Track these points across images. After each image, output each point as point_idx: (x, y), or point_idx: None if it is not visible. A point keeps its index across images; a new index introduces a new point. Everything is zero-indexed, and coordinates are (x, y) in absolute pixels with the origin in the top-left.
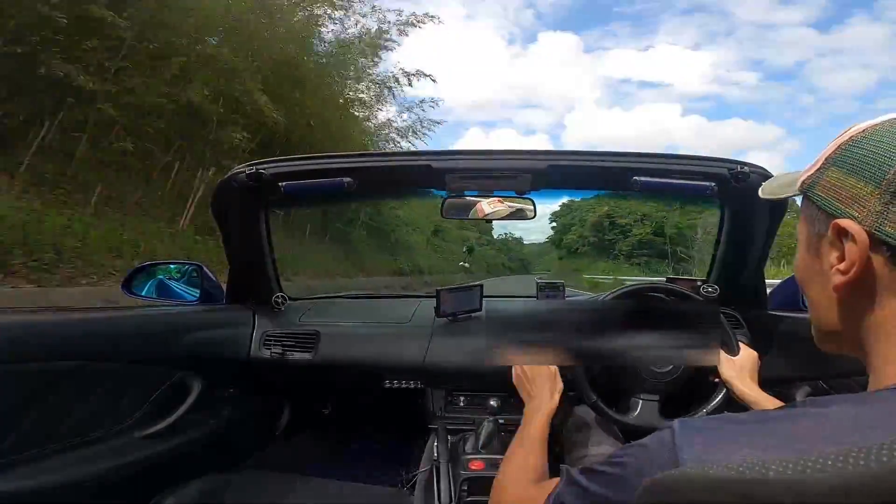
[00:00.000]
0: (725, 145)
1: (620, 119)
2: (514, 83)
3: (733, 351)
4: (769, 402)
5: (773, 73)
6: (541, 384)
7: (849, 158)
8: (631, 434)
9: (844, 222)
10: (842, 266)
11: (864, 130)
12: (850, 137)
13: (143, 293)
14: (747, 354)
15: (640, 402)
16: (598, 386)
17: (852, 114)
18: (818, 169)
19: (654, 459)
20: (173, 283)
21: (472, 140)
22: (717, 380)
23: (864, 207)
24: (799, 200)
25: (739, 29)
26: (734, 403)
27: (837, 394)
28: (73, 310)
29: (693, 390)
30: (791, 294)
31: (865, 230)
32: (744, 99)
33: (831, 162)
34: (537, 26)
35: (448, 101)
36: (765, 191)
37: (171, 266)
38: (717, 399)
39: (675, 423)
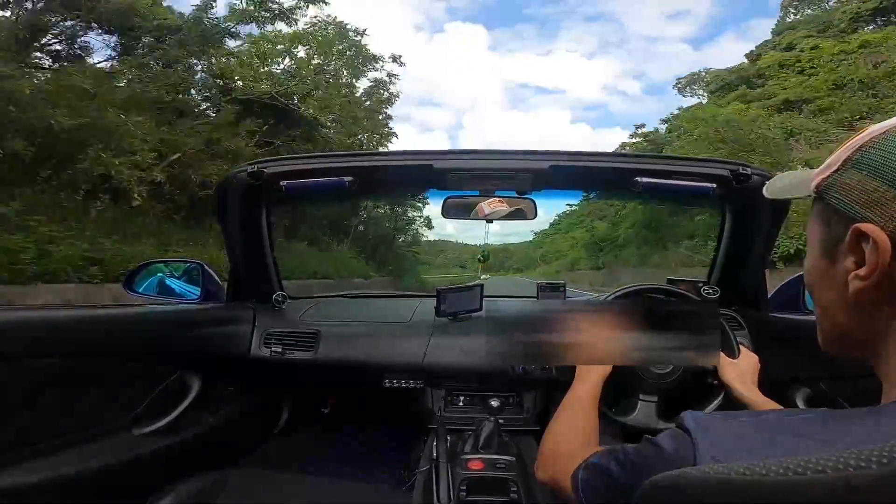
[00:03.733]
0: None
1: (517, 122)
2: (417, 75)
3: (734, 354)
4: (769, 406)
5: (651, 87)
6: None
7: (870, 161)
8: (629, 435)
9: (866, 227)
10: (861, 272)
11: (885, 132)
12: (870, 139)
13: (144, 291)
14: (748, 357)
15: (639, 403)
16: None
17: None
18: (835, 171)
19: (670, 459)
20: (174, 282)
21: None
22: (715, 382)
23: (886, 212)
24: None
25: (630, 41)
26: (733, 406)
27: (838, 395)
28: (72, 307)
29: (692, 392)
30: (792, 296)
31: (888, 235)
32: (625, 110)
33: (850, 164)
34: (447, 19)
35: None
36: (770, 191)
37: (173, 264)
38: (716, 402)
39: (692, 423)
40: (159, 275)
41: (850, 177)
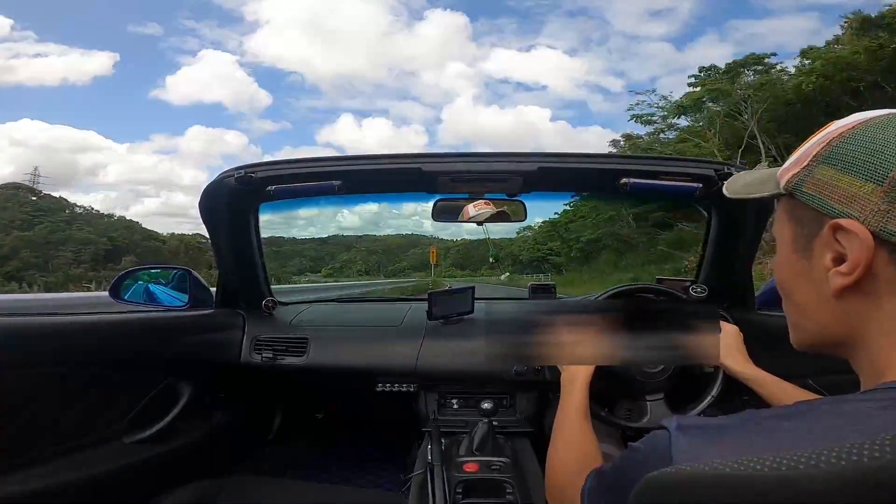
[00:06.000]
0: (585, 151)
1: (497, 118)
2: (393, 64)
3: None
4: (766, 377)
5: (632, 87)
6: None
7: (842, 156)
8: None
9: (847, 222)
10: (843, 268)
11: (853, 127)
12: (839, 134)
13: (131, 298)
14: (729, 330)
15: (648, 404)
16: (599, 397)
17: None
18: (805, 167)
19: (650, 459)
20: (161, 289)
21: (344, 127)
22: (710, 367)
23: (866, 207)
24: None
25: (612, 38)
26: (734, 386)
27: (827, 391)
28: (59, 314)
29: (693, 380)
30: (778, 293)
31: (869, 230)
32: (604, 109)
33: (820, 159)
34: (426, 6)
35: (314, 76)
36: (730, 190)
37: (159, 271)
38: (717, 384)
39: (672, 422)
40: (146, 282)
41: (821, 172)
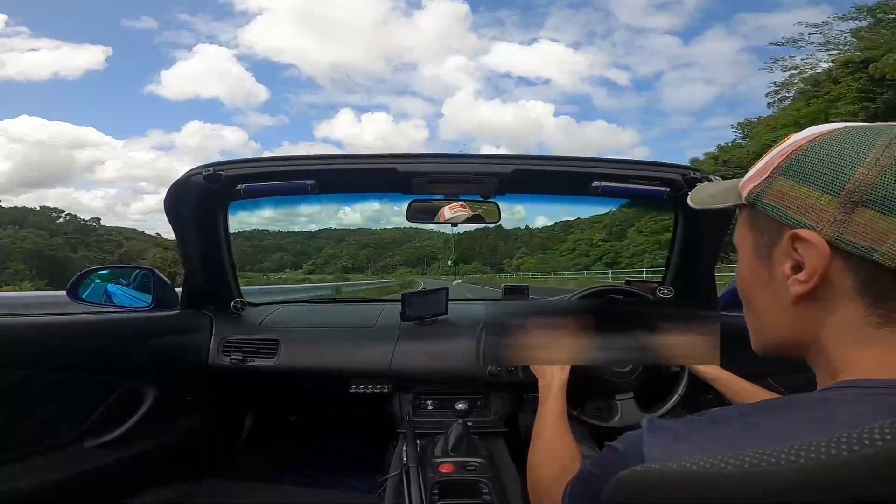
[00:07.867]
0: (589, 146)
1: (499, 112)
2: (391, 56)
3: None
4: (729, 376)
5: (636, 81)
6: None
7: (800, 168)
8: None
9: (804, 232)
10: (801, 276)
11: (811, 139)
12: (798, 146)
13: (89, 299)
14: None
15: (618, 403)
16: (569, 397)
17: (685, 129)
18: (765, 178)
19: (624, 459)
20: (123, 289)
21: (342, 122)
22: (677, 367)
23: (822, 217)
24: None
25: (616, 32)
26: (700, 386)
27: (786, 389)
28: (17, 315)
29: (661, 380)
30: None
31: (825, 239)
32: (609, 103)
33: (780, 171)
34: None
35: (310, 69)
36: (694, 201)
37: (120, 270)
38: (684, 383)
39: (644, 422)
40: (107, 282)
41: (780, 184)
